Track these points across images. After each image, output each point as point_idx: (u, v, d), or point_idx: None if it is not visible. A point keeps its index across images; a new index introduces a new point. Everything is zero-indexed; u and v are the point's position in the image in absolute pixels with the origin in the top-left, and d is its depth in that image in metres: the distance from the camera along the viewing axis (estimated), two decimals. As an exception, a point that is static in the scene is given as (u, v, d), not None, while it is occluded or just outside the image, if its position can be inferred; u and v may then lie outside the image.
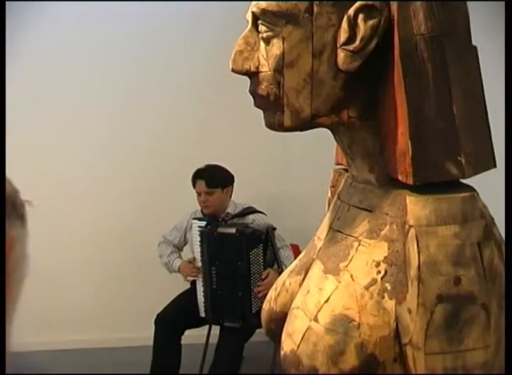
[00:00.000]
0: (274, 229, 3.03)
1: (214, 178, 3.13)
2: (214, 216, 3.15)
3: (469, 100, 0.76)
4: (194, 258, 3.10)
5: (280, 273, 2.87)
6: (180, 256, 3.23)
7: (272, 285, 3.05)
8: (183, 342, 3.10)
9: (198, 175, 3.16)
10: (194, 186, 3.17)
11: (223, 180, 3.16)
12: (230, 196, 3.25)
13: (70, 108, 3.76)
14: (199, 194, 3.15)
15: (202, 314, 3.05)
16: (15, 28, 3.48)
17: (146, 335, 3.15)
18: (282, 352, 0.82)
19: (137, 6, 3.72)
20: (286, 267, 2.82)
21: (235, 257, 2.93)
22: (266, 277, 2.91)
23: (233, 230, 2.94)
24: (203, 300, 3.03)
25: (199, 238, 3.00)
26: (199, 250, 3.02)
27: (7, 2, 2.76)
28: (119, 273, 3.81)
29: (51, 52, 3.71)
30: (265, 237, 2.96)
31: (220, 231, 2.98)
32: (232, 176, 3.22)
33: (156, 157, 3.82)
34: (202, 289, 3.03)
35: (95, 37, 3.75)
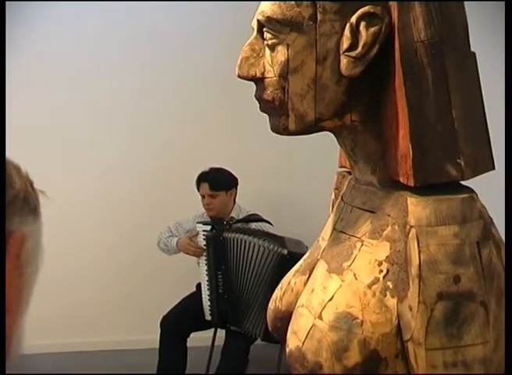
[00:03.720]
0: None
1: (217, 181, 3.16)
2: (219, 219, 3.17)
3: (468, 104, 0.78)
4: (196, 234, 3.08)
5: None
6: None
7: None
8: (188, 345, 3.11)
9: (202, 178, 3.19)
10: (198, 189, 3.20)
11: (227, 183, 3.19)
12: (234, 199, 3.27)
13: (75, 110, 3.78)
14: (203, 196, 3.18)
15: (208, 317, 3.06)
16: (15, 28, 3.52)
17: (153, 337, 3.17)
18: (287, 349, 0.85)
19: (141, 6, 3.75)
20: None
21: (262, 265, 2.85)
22: None
23: (285, 252, 2.80)
24: (208, 303, 3.04)
25: (204, 242, 3.02)
26: (204, 253, 3.04)
27: (7, 2, 2.80)
28: (126, 275, 3.83)
29: (52, 52, 3.74)
30: None
31: (230, 236, 2.92)
32: (236, 180, 3.24)
33: (163, 160, 3.84)
34: (208, 293, 3.03)
35: (97, 38, 3.78)
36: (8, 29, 3.21)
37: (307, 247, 2.93)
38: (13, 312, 0.55)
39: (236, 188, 3.25)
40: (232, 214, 3.24)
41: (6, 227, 0.53)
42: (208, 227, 3.04)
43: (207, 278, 3.03)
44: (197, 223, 3.13)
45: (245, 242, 2.89)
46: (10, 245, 0.54)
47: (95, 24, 3.77)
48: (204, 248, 3.01)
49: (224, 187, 3.17)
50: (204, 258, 3.03)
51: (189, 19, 3.81)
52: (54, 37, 3.74)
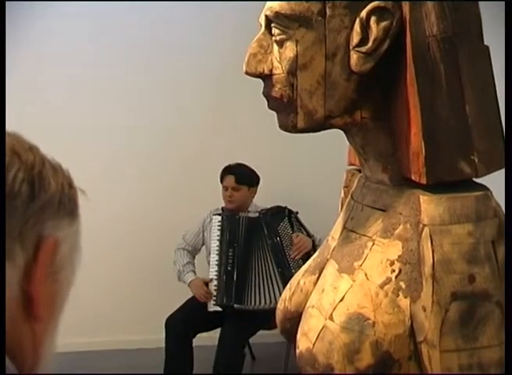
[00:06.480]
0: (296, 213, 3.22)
1: (243, 175, 3.23)
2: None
3: (481, 99, 0.76)
4: (210, 281, 3.12)
5: (313, 241, 2.97)
6: (194, 270, 3.24)
7: (304, 246, 3.06)
8: (196, 344, 3.09)
9: (228, 170, 3.25)
10: (222, 181, 3.25)
11: (250, 179, 3.26)
12: (253, 197, 3.32)
13: (81, 110, 3.77)
14: (226, 188, 3.23)
15: (211, 307, 3.06)
16: (14, 28, 3.51)
17: (158, 337, 3.16)
18: (297, 351, 0.83)
19: (143, 6, 3.73)
20: (316, 238, 2.66)
21: (262, 239, 3.05)
22: (298, 241, 3.02)
23: (256, 214, 3.13)
24: (215, 282, 3.06)
25: (219, 223, 3.10)
26: (217, 234, 3.09)
27: (7, 2, 2.79)
28: (131, 274, 3.82)
29: (53, 51, 3.72)
30: (288, 212, 3.14)
31: (242, 215, 3.12)
32: (259, 178, 3.30)
33: (172, 158, 3.82)
34: (215, 269, 3.08)
35: (103, 36, 3.77)
36: (8, 28, 3.20)
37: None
38: (45, 320, 0.53)
39: (257, 187, 3.31)
40: (249, 210, 3.30)
41: (38, 233, 0.50)
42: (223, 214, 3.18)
43: (216, 257, 3.08)
44: (213, 215, 3.19)
45: (260, 221, 3.07)
46: (42, 252, 0.51)
47: (98, 23, 3.76)
48: (219, 227, 3.10)
49: (248, 182, 3.24)
50: (217, 236, 3.10)
51: (200, 13, 3.79)
52: (54, 36, 3.73)
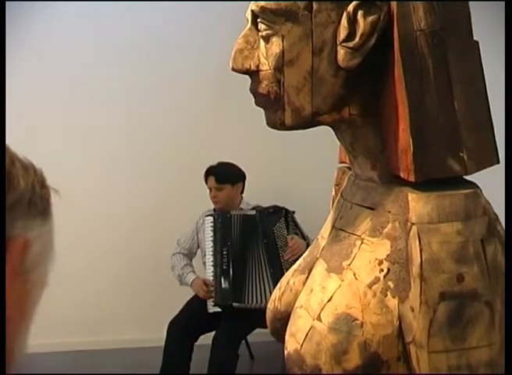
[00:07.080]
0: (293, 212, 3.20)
1: (223, 174, 3.22)
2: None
3: (471, 95, 0.75)
4: (209, 281, 3.10)
5: (307, 244, 2.92)
6: (194, 271, 3.23)
7: (298, 249, 3.00)
8: (196, 343, 3.08)
9: (210, 171, 3.25)
10: (206, 182, 3.26)
11: (233, 177, 3.24)
12: (242, 193, 3.30)
13: (78, 110, 3.76)
14: (210, 189, 3.24)
15: (210, 308, 3.04)
16: (14, 28, 3.52)
17: (157, 336, 3.15)
18: (285, 352, 0.82)
19: (143, 5, 3.73)
20: (310, 239, 2.77)
21: (256, 238, 3.04)
22: (292, 244, 3.00)
23: (253, 212, 3.11)
24: (212, 283, 3.05)
25: (211, 224, 3.09)
26: (210, 234, 3.08)
27: (7, 2, 2.79)
28: (130, 273, 3.82)
29: (53, 51, 3.73)
30: (285, 213, 3.12)
31: (235, 213, 3.11)
32: (244, 174, 3.28)
33: (168, 159, 3.82)
34: (211, 270, 3.06)
35: (103, 36, 3.76)
36: (8, 28, 3.20)
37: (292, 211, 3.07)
38: (15, 320, 0.52)
39: (244, 183, 3.29)
40: (241, 206, 3.28)
41: (7, 233, 0.49)
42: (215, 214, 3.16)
43: (212, 258, 3.07)
44: (205, 216, 3.18)
45: (256, 219, 3.06)
46: (11, 252, 0.49)
47: (98, 23, 3.76)
48: (211, 226, 3.09)
49: (230, 180, 3.22)
50: (210, 236, 3.09)
51: (196, 15, 3.78)
52: (54, 36, 3.72)
